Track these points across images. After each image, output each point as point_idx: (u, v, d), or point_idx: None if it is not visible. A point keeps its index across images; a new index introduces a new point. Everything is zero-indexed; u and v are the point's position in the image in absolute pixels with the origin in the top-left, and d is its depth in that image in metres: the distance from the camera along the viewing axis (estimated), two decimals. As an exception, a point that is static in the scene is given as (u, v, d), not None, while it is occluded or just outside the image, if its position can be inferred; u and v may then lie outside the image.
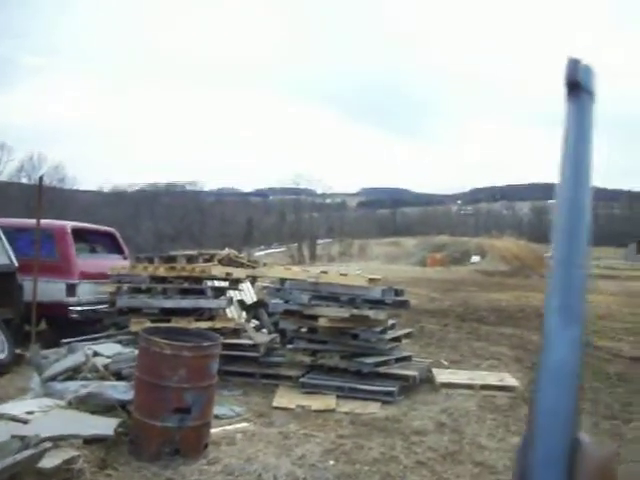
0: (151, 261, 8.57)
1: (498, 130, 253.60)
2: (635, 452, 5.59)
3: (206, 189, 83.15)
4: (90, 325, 8.68)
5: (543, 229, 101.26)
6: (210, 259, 9.21)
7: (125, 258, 10.31)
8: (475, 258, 42.60)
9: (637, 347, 11.26)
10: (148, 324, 7.09)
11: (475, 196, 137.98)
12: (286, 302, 7.41)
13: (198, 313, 7.60)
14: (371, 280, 7.26)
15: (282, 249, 65.44)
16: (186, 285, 7.82)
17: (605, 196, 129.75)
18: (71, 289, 9.02)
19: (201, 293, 7.76)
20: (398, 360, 7.47)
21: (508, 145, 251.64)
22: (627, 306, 18.49)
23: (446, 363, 8.87)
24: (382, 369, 7.10)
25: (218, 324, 7.39)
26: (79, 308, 9.01)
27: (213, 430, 5.07)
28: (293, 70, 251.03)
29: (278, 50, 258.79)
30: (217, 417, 5.62)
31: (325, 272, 7.61)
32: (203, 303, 7.53)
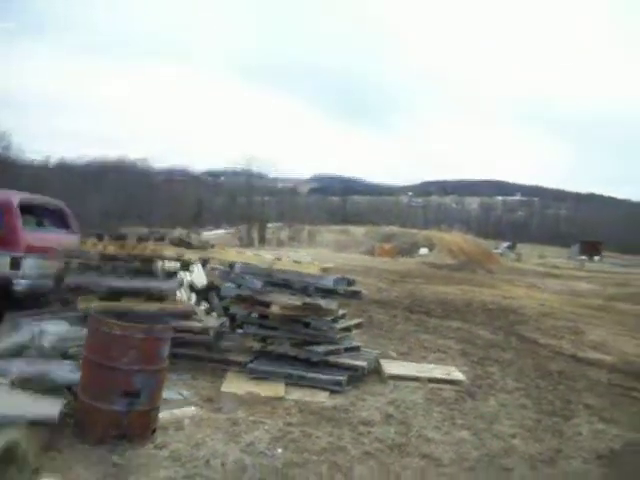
0: (101, 238, 8.36)
1: (453, 127, 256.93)
2: (573, 448, 5.73)
3: (156, 167, 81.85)
4: (34, 300, 8.44)
5: (491, 225, 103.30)
6: (161, 239, 9.06)
7: (74, 233, 10.03)
8: (423, 250, 43.03)
9: (577, 345, 11.54)
10: (96, 302, 6.94)
11: (426, 189, 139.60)
12: (238, 287, 7.34)
13: (148, 294, 7.45)
14: (324, 269, 7.26)
15: (231, 231, 64.94)
16: (137, 265, 7.65)
17: (554, 196, 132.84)
18: (15, 263, 8.74)
19: (152, 274, 7.61)
20: (347, 350, 7.48)
21: (462, 142, 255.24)
22: (569, 305, 18.97)
23: (394, 355, 8.93)
24: (331, 358, 7.10)
25: (168, 306, 7.26)
26: (24, 282, 8.74)
27: (161, 414, 5.00)
28: (253, 54, 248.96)
29: (240, 34, 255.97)
30: (165, 401, 5.54)
31: (279, 259, 7.57)
32: (154, 284, 7.37)
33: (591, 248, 62.70)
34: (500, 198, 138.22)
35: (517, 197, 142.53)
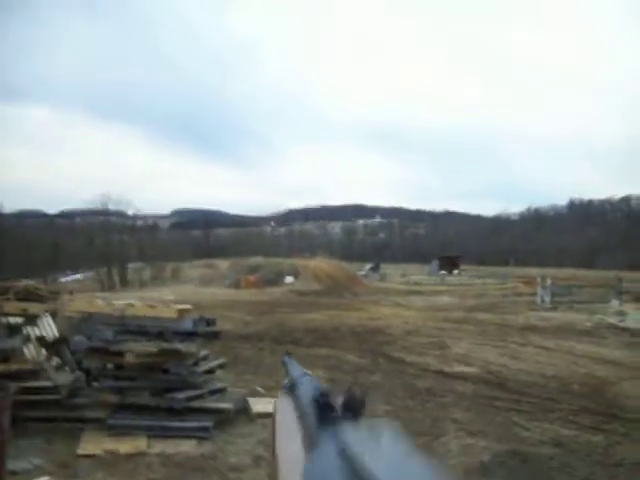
0: None
1: (317, 154, 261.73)
2: (444, 466, 5.76)
3: (6, 210, 77.54)
4: None
5: (354, 248, 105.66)
6: (5, 292, 8.43)
7: None
8: (289, 279, 43.18)
9: (443, 360, 11.83)
10: None
11: (289, 217, 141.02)
12: (89, 338, 6.91)
13: (-10, 354, 6.86)
14: (181, 311, 6.98)
15: (90, 274, 62.41)
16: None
17: (412, 216, 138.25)
18: None
19: (-7, 332, 7.04)
20: (212, 392, 7.22)
21: (325, 169, 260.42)
22: (432, 320, 19.53)
23: (262, 391, 8.73)
24: (196, 403, 6.82)
25: (13, 366, 6.71)
26: None
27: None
28: (104, 92, 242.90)
29: (89, 70, 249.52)
30: (13, 473, 5.07)
31: (132, 304, 7.21)
32: (-5, 343, 6.81)
33: (449, 263, 65.30)
34: (361, 221, 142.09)
35: (377, 219, 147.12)
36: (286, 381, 1.05)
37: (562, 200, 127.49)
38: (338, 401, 0.66)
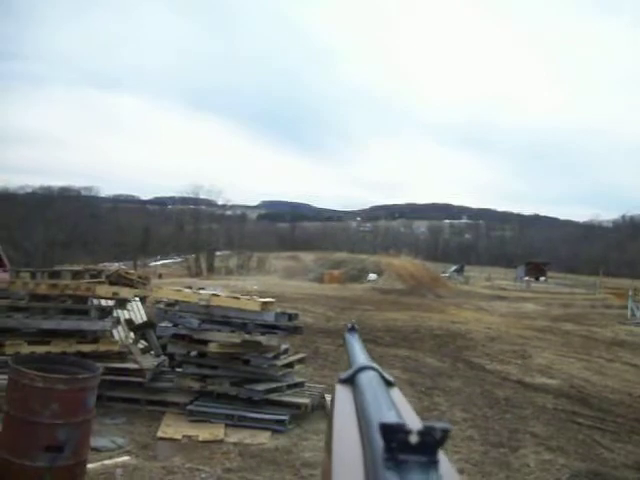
0: (33, 276, 8.04)
1: (399, 151, 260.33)
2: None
3: (102, 195, 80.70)
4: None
5: (439, 248, 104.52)
6: (97, 275, 8.77)
7: (5, 271, 9.66)
8: (372, 276, 43.09)
9: (524, 370, 11.55)
10: (25, 346, 6.61)
11: (375, 213, 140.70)
12: (175, 325, 7.09)
13: (81, 334, 7.14)
14: (264, 304, 7.05)
15: (179, 260, 64.13)
16: (69, 304, 7.33)
17: (499, 218, 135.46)
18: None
19: (85, 313, 7.30)
20: (290, 387, 7.28)
21: (409, 165, 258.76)
22: (515, 327, 19.10)
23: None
24: (273, 396, 6.90)
25: (102, 347, 6.96)
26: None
27: (91, 465, 4.72)
28: (200, 82, 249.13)
29: (186, 61, 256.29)
30: (96, 450, 5.27)
31: (217, 295, 7.34)
32: (86, 325, 7.06)
33: (536, 269, 63.84)
34: (447, 221, 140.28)
35: (464, 220, 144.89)
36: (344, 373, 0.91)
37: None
38: (413, 435, 0.51)
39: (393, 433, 0.52)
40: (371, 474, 0.54)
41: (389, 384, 0.84)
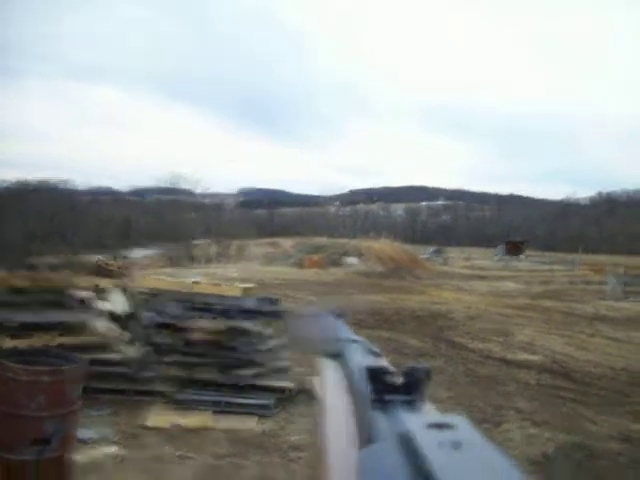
0: (12, 269, 7.96)
1: (375, 134, 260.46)
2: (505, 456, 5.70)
3: (80, 188, 79.89)
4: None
5: (417, 230, 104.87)
6: (77, 267, 8.70)
7: (-17, 266, 9.55)
8: (352, 260, 43.13)
9: (506, 347, 11.66)
10: (7, 341, 6.56)
11: (353, 197, 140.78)
12: (159, 314, 7.07)
13: (63, 327, 7.09)
14: (245, 290, 7.06)
15: (160, 250, 63.74)
16: (50, 297, 7.27)
17: (476, 199, 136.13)
18: None
19: (66, 305, 7.25)
20: (276, 371, 7.30)
21: (385, 149, 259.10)
22: (496, 306, 19.24)
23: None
24: (259, 381, 6.92)
25: (85, 339, 6.93)
26: None
27: (79, 457, 4.71)
28: (175, 73, 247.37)
29: (163, 52, 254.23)
30: (83, 442, 5.25)
31: (198, 282, 7.33)
32: (68, 317, 7.03)
33: (515, 248, 64.17)
34: (424, 203, 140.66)
35: (441, 202, 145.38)
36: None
37: (635, 185, 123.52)
38: (397, 377, 0.56)
39: (378, 375, 0.56)
40: (360, 416, 0.59)
41: (376, 355, 0.86)
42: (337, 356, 0.87)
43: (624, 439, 6.41)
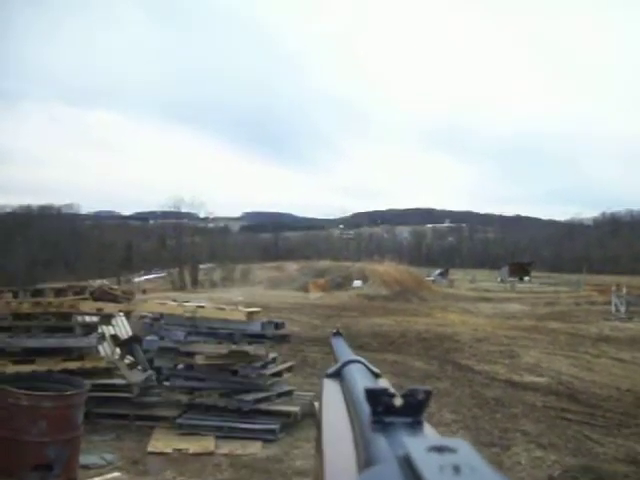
0: (15, 295, 7.97)
1: (379, 157, 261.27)
2: (514, 479, 5.65)
3: (83, 212, 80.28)
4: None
5: (422, 253, 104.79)
6: (81, 292, 8.69)
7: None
8: (357, 283, 43.03)
9: (512, 369, 11.59)
10: (10, 366, 6.54)
11: (356, 220, 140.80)
12: (161, 339, 7.05)
13: (66, 352, 7.08)
14: (250, 314, 7.03)
15: (163, 274, 63.74)
16: (53, 322, 7.26)
17: (482, 221, 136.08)
18: None
19: (69, 330, 7.24)
20: (280, 395, 7.26)
21: (389, 171, 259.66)
22: (501, 328, 19.15)
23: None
24: (263, 406, 6.88)
25: (88, 364, 6.91)
26: None
27: (80, 483, 4.68)
28: (176, 96, 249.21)
29: (162, 74, 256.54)
30: (86, 467, 5.21)
31: (202, 306, 7.31)
32: (71, 342, 7.00)
33: (520, 269, 64.06)
34: (430, 226, 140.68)
35: (446, 224, 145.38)
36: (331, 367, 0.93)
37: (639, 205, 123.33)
38: (397, 398, 0.54)
39: (378, 397, 0.55)
40: (360, 438, 0.57)
41: (376, 375, 0.86)
42: (337, 377, 0.88)
43: (631, 461, 6.33)
